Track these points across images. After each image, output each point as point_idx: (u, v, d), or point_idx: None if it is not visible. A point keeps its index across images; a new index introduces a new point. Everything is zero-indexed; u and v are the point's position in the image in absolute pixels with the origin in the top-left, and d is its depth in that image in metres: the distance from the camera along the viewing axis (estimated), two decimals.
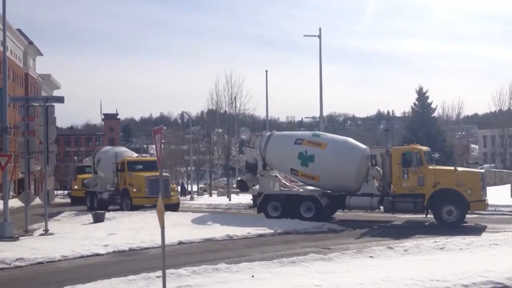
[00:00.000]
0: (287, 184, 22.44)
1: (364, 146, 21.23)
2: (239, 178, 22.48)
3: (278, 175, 22.49)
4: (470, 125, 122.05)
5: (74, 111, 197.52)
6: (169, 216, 19.51)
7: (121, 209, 25.79)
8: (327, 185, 20.53)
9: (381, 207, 19.35)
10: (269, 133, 22.55)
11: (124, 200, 26.28)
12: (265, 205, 20.73)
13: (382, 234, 16.23)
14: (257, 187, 22.16)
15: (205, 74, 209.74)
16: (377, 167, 19.99)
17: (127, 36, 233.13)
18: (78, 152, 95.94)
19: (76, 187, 38.41)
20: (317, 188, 20.99)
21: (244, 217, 21.32)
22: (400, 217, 20.03)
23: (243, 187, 22.25)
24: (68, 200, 42.06)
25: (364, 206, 19.77)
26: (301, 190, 21.71)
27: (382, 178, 19.57)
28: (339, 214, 21.79)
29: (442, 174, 18.17)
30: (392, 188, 19.05)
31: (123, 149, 33.03)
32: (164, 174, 31.45)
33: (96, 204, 28.51)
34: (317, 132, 24.16)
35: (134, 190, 25.66)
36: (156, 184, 25.05)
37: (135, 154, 32.81)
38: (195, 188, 57.38)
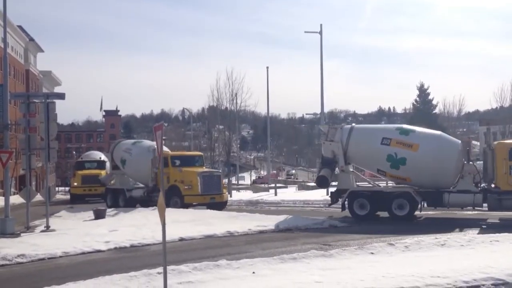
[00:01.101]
0: (366, 179, 21.36)
1: (458, 141, 20.07)
2: (319, 174, 20.73)
3: (354, 170, 21.38)
4: (471, 122, 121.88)
5: (75, 108, 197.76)
6: (170, 212, 19.56)
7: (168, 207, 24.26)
8: (419, 183, 19.33)
9: (484, 205, 18.37)
10: (349, 126, 21.09)
11: (172, 198, 23.90)
12: (351, 202, 19.45)
13: (382, 230, 16.23)
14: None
15: (206, 70, 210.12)
16: (472, 162, 18.99)
17: (128, 33, 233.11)
18: (79, 149, 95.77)
19: (75, 184, 36.73)
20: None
21: (243, 213, 21.28)
22: (493, 214, 19.14)
23: (324, 183, 20.80)
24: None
25: (465, 204, 18.70)
26: (390, 186, 20.56)
27: (484, 174, 18.62)
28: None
29: None
30: (495, 184, 18.11)
31: (149, 142, 29.71)
32: (216, 170, 30.37)
33: (123, 203, 26.74)
34: (403, 127, 20.99)
35: (186, 187, 23.89)
36: (210, 181, 24.16)
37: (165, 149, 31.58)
38: None
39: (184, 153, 28.58)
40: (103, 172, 36.33)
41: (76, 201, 34.06)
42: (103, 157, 40.49)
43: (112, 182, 29.95)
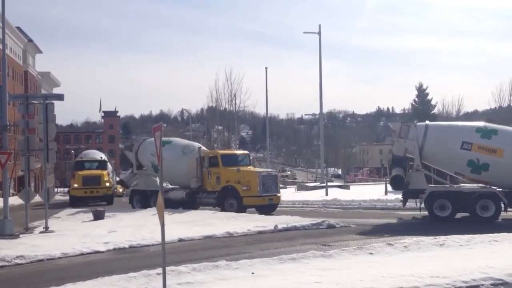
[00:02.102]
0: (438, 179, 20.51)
1: None
2: (392, 174, 19.64)
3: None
4: None
5: (74, 109, 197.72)
6: (169, 213, 19.57)
7: (225, 211, 22.01)
8: (502, 185, 18.65)
9: None
10: (423, 124, 20.15)
11: (226, 200, 22.53)
12: (431, 203, 18.76)
13: (381, 230, 16.24)
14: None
15: (205, 71, 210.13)
16: None
17: (126, 34, 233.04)
18: (78, 150, 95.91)
19: (76, 185, 33.62)
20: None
21: (242, 214, 21.26)
22: None
23: (399, 183, 19.46)
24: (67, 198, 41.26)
25: None
26: (474, 186, 19.59)
27: None
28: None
29: None
30: None
31: (180, 142, 27.65)
32: (272, 170, 28.50)
33: (155, 205, 25.68)
34: (484, 127, 19.47)
35: (244, 188, 22.20)
36: (268, 181, 22.76)
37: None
38: None
39: (232, 151, 26.31)
40: (104, 173, 34.63)
41: (76, 203, 31.88)
42: (103, 156, 38.75)
43: (135, 183, 28.24)
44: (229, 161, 23.56)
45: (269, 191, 22.71)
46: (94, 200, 33.19)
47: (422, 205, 19.32)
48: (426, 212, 19.37)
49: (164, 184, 26.71)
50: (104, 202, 32.45)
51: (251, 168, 23.96)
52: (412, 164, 19.73)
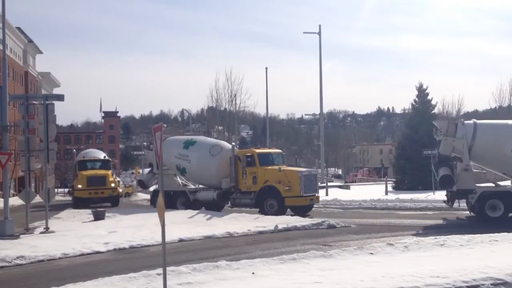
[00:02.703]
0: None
1: None
2: (440, 173, 19.11)
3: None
4: None
5: (74, 109, 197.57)
6: (169, 214, 19.56)
7: (264, 212, 21.21)
8: None
9: None
10: (471, 122, 19.81)
11: (266, 201, 21.48)
12: (482, 204, 18.38)
13: (381, 230, 16.23)
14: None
15: (205, 71, 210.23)
16: None
17: (127, 34, 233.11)
18: (79, 150, 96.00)
19: (80, 186, 31.64)
20: None
21: (242, 214, 21.25)
22: None
23: (449, 182, 19.08)
24: (69, 198, 41.04)
25: None
26: None
27: None
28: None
29: None
30: None
31: (205, 140, 26.28)
32: (312, 169, 27.31)
33: (183, 207, 23.75)
34: None
35: (286, 188, 21.27)
36: (309, 181, 21.93)
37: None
38: None
39: (268, 150, 24.77)
40: (109, 173, 33.19)
41: (81, 205, 30.05)
42: (106, 156, 37.35)
43: (154, 183, 27.13)
44: (265, 160, 22.62)
45: (310, 191, 21.95)
46: (99, 202, 31.57)
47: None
48: (468, 212, 19.32)
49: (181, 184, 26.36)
50: (108, 204, 31.22)
51: (290, 167, 23.39)
52: (456, 163, 19.48)
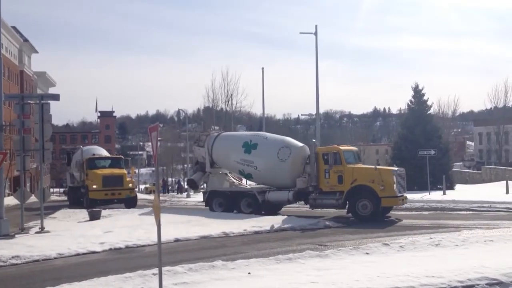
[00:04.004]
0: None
1: None
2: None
3: None
4: (465, 122, 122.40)
5: (70, 109, 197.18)
6: (165, 213, 19.54)
7: (355, 214, 19.78)
8: None
9: None
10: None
11: (359, 201, 19.68)
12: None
13: (377, 230, 16.26)
14: None
15: (201, 71, 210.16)
16: None
17: (123, 34, 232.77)
18: (74, 150, 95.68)
19: (95, 186, 28.67)
20: None
21: (239, 214, 21.26)
22: None
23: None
24: (65, 198, 40.69)
25: None
26: None
27: None
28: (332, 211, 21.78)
29: None
30: None
31: (271, 139, 23.63)
32: (401, 168, 23.38)
33: (249, 209, 21.62)
34: None
35: (381, 187, 19.59)
36: (402, 180, 20.58)
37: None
38: None
39: (351, 147, 22.70)
40: (125, 172, 30.69)
41: (96, 207, 26.61)
42: (106, 153, 34.97)
43: (203, 182, 25.32)
44: (349, 157, 21.03)
45: (402, 191, 20.53)
46: (115, 203, 28.87)
47: None
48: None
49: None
50: (123, 206, 28.41)
51: (386, 167, 21.99)
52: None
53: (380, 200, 19.42)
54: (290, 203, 22.24)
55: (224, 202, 22.45)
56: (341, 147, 21.22)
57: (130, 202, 28.89)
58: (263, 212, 21.23)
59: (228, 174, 24.42)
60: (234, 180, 24.78)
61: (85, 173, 30.31)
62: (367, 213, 19.40)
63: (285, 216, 19.49)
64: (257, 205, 21.66)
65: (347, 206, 20.05)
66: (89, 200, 28.52)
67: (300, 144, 22.43)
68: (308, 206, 21.35)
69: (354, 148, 22.70)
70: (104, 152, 35.15)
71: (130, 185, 29.62)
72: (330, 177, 20.40)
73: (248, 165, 22.30)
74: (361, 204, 19.63)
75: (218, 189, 23.31)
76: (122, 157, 33.28)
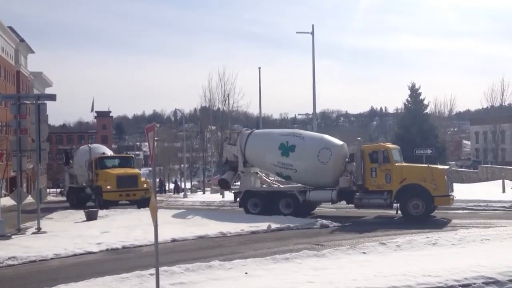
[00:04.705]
0: None
1: None
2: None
3: None
4: (462, 121, 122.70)
5: (66, 109, 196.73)
6: (162, 213, 19.53)
7: (406, 213, 19.08)
8: None
9: None
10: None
11: (410, 201, 18.91)
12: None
13: (373, 229, 16.29)
14: None
15: (198, 71, 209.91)
16: None
17: (119, 33, 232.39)
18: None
19: (109, 187, 27.50)
20: None
21: (236, 214, 21.27)
22: None
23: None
24: (62, 199, 40.48)
25: None
26: None
27: None
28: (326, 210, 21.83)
29: None
30: None
31: (317, 138, 22.46)
32: (449, 167, 23.36)
33: (289, 209, 20.61)
34: None
35: (434, 186, 18.80)
36: (451, 179, 19.92)
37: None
38: (188, 185, 57.36)
39: (396, 146, 21.81)
40: (139, 172, 29.82)
41: (110, 207, 26.19)
42: (111, 152, 33.95)
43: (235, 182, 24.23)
44: (396, 156, 20.30)
45: (451, 190, 19.91)
46: (129, 205, 27.84)
47: None
48: None
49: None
50: (136, 206, 27.15)
51: (436, 165, 21.10)
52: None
53: (433, 200, 18.82)
54: (334, 203, 21.51)
55: (260, 202, 21.37)
56: (389, 145, 20.67)
57: (144, 204, 26.35)
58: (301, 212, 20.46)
59: (259, 173, 23.56)
60: (266, 179, 23.83)
61: (95, 173, 29.02)
62: (419, 213, 18.79)
63: (282, 216, 19.49)
64: (297, 205, 20.72)
65: (397, 206, 19.49)
66: (103, 202, 27.25)
67: (340, 143, 21.74)
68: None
69: (398, 147, 21.87)
70: (109, 151, 33.93)
71: (145, 185, 28.43)
72: (377, 176, 19.65)
73: (286, 168, 21.45)
74: (413, 203, 18.91)
75: (254, 189, 22.27)
76: (133, 156, 32.02)
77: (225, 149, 24.57)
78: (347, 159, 20.75)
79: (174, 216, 20.86)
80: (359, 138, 22.48)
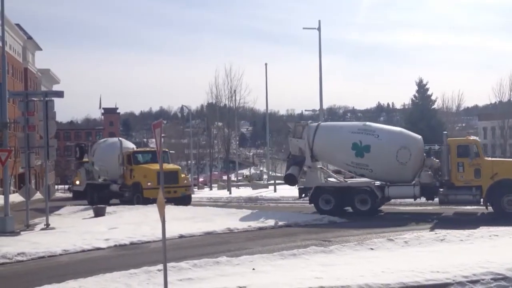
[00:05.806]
0: None
1: None
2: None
3: None
4: (470, 117, 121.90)
5: (74, 106, 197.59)
6: (169, 210, 19.57)
7: (500, 210, 18.23)
8: None
9: None
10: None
11: (504, 197, 18.10)
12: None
13: (381, 225, 16.25)
14: None
15: (204, 68, 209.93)
16: None
17: (126, 30, 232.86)
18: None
19: (149, 184, 25.47)
20: None
21: (241, 210, 21.25)
22: None
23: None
24: (70, 195, 40.57)
25: None
26: None
27: None
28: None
29: None
30: None
31: (392, 135, 21.11)
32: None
33: (363, 205, 19.72)
34: None
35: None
36: None
37: None
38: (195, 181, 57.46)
39: (479, 140, 20.91)
40: (179, 168, 28.55)
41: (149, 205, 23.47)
42: (133, 146, 31.53)
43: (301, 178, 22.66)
44: (483, 149, 19.29)
45: None
46: (170, 202, 24.16)
47: None
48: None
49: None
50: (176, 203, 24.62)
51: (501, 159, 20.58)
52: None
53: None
54: (416, 199, 20.34)
55: (332, 199, 20.17)
56: (477, 139, 19.73)
57: (185, 201, 25.61)
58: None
59: (324, 167, 22.48)
60: (330, 173, 22.81)
61: (128, 169, 27.28)
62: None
63: (289, 212, 19.49)
64: (374, 202, 19.71)
65: (487, 202, 18.59)
66: (143, 199, 25.32)
67: (417, 138, 20.75)
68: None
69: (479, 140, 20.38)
70: (131, 145, 32.44)
71: (186, 181, 27.12)
72: (465, 171, 18.65)
73: (361, 168, 20.49)
74: (508, 199, 18.05)
75: (326, 185, 21.11)
76: (168, 150, 30.40)
77: (290, 143, 22.80)
78: (424, 154, 20.08)
79: (181, 212, 20.88)
80: (445, 132, 21.57)
